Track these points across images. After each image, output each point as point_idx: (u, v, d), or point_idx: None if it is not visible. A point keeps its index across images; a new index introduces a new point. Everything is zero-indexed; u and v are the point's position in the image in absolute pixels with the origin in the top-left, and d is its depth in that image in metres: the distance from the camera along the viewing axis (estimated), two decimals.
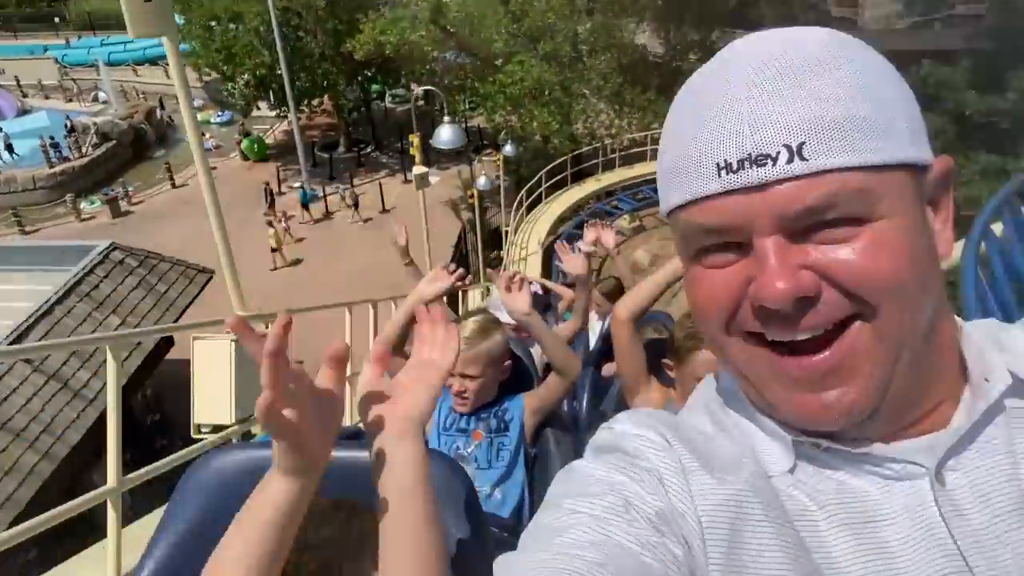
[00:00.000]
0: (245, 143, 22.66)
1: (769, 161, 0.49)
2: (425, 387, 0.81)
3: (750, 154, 0.49)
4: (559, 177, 16.68)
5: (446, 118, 10.64)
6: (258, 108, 23.23)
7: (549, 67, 17.44)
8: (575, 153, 17.07)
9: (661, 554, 0.51)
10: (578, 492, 0.55)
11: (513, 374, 2.06)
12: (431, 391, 0.81)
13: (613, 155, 17.54)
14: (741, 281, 0.52)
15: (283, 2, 17.72)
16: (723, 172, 0.50)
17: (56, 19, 37.63)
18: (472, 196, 14.93)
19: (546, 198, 16.49)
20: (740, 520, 0.53)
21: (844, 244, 0.50)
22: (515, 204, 15.44)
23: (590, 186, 17.06)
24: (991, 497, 0.52)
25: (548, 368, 2.03)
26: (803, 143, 0.48)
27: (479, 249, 14.34)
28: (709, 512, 0.54)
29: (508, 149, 15.67)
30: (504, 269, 2.36)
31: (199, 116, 18.54)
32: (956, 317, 0.61)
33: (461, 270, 2.00)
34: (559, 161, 16.67)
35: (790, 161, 0.48)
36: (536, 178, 16.41)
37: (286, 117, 21.84)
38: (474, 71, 19.25)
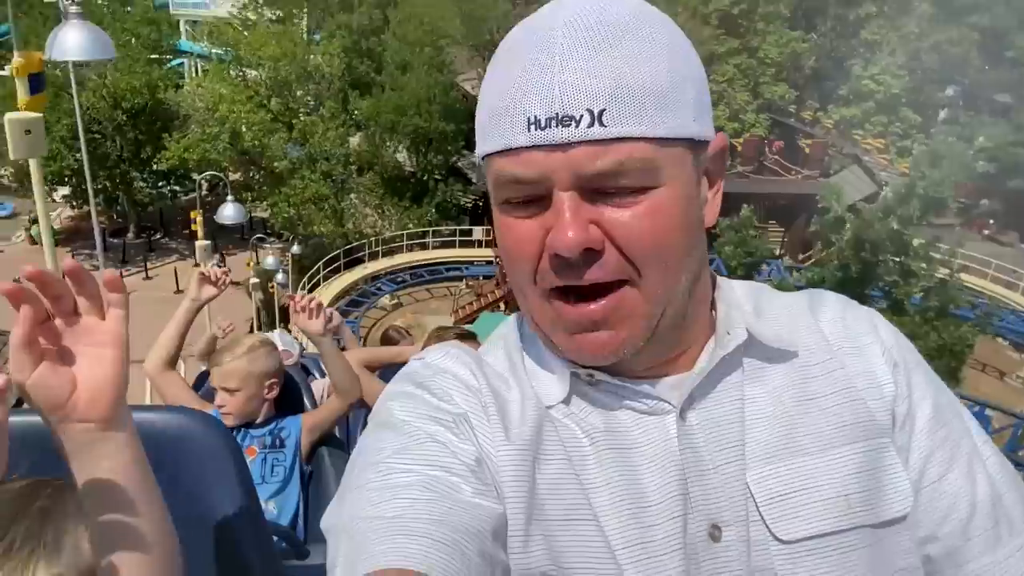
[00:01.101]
0: (34, 229, 21.62)
1: (572, 123, 0.51)
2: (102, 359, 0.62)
3: (557, 114, 0.51)
4: (335, 265, 18.88)
5: (229, 197, 10.71)
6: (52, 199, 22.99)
7: (325, 182, 19.65)
8: (347, 247, 19.32)
9: (490, 499, 0.54)
10: (400, 447, 0.55)
11: (287, 398, 2.04)
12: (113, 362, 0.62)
13: (377, 248, 19.85)
14: (541, 233, 0.55)
15: (89, 113, 18.37)
16: (532, 128, 0.52)
17: None
18: (257, 276, 15.24)
19: (324, 281, 18.37)
20: (529, 458, 0.57)
21: (627, 208, 0.54)
22: (299, 286, 16.75)
23: (359, 272, 19.42)
24: (717, 434, 0.59)
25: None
26: (604, 110, 0.51)
27: (277, 324, 14.82)
28: (509, 454, 0.57)
29: (295, 249, 17.48)
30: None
31: None
32: (717, 275, 0.68)
33: (215, 269, 2.05)
34: (334, 253, 18.94)
35: (591, 125, 0.51)
36: (315, 267, 18.34)
37: (73, 205, 21.69)
38: (261, 180, 20.92)
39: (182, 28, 26.34)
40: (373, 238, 20.45)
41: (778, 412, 0.61)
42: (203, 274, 2.08)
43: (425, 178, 21.84)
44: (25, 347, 0.58)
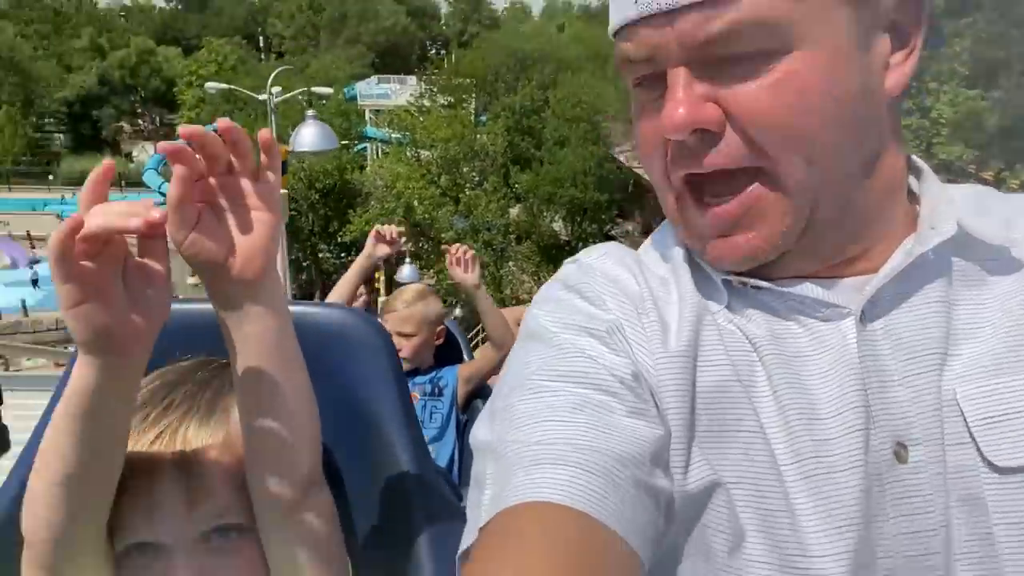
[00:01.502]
0: None
1: None
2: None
3: None
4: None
5: (407, 260, 11.60)
6: None
7: (486, 251, 20.52)
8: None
9: (647, 420, 0.49)
10: (548, 363, 0.51)
11: (448, 348, 2.22)
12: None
13: None
14: (660, 118, 0.49)
15: (289, 193, 22.25)
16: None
17: (50, 176, 37.24)
18: None
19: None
20: (689, 365, 0.51)
21: (750, 80, 0.46)
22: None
23: None
24: (909, 342, 0.51)
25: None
26: None
27: None
28: (667, 362, 0.51)
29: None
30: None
31: None
32: (917, 160, 0.57)
33: (390, 228, 2.16)
34: None
35: None
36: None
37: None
38: (429, 249, 22.11)
39: (367, 116, 29.42)
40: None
41: (1004, 322, 0.51)
42: (379, 231, 2.18)
43: (580, 246, 22.40)
44: (182, 206, 0.55)
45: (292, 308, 0.88)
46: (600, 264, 0.59)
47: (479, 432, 0.52)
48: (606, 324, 0.53)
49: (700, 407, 0.51)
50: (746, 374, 0.52)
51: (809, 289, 0.53)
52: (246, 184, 0.60)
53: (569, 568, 0.40)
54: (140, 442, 0.66)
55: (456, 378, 2.14)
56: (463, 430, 2.12)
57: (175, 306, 0.88)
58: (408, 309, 2.09)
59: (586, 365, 0.51)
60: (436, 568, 0.81)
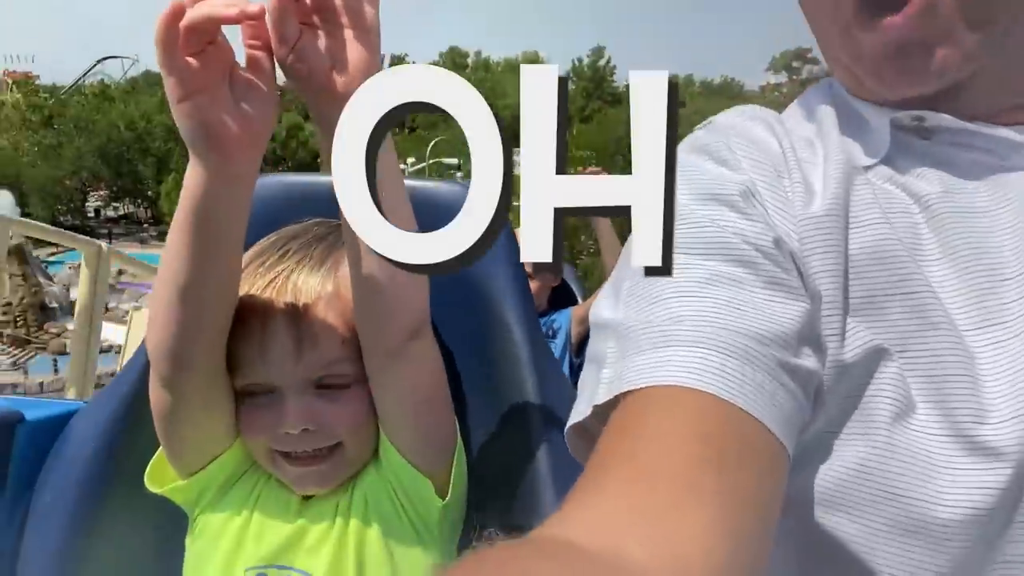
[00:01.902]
0: None
1: None
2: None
3: None
4: None
5: None
6: None
7: None
8: None
9: (789, 292, 0.43)
10: (679, 242, 0.43)
11: (563, 292, 2.18)
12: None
13: None
14: None
15: None
16: None
17: None
18: None
19: None
20: (839, 225, 0.46)
21: None
22: None
23: None
24: None
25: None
26: None
27: None
28: (812, 222, 0.46)
29: None
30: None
31: None
32: None
33: None
34: None
35: None
36: None
37: None
38: None
39: None
40: None
41: None
42: None
43: None
44: (283, 18, 0.54)
45: (407, 183, 0.89)
46: (734, 122, 0.53)
47: (601, 310, 0.49)
48: (739, 187, 0.47)
49: (854, 272, 0.45)
50: (908, 235, 0.46)
51: (996, 130, 0.47)
52: (339, 4, 0.57)
53: (707, 462, 0.35)
54: (255, 286, 0.68)
55: (570, 320, 2.06)
56: (575, 372, 2.00)
57: (290, 178, 0.93)
58: None
59: (716, 235, 0.45)
60: (552, 462, 0.76)
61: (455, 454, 0.71)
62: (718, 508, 0.34)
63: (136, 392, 0.78)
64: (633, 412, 0.40)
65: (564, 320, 2.07)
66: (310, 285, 0.68)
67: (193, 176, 0.57)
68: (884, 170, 0.49)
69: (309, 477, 0.69)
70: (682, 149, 0.53)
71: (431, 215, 0.85)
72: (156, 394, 0.66)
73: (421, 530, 0.69)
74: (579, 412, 0.45)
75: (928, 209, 0.47)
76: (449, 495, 0.68)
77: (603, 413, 0.42)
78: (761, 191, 0.48)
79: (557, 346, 2.08)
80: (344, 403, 0.68)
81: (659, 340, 0.41)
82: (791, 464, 0.40)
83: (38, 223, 3.20)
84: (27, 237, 8.61)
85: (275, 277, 0.68)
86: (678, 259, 0.44)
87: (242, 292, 0.67)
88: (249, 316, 0.66)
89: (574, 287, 2.40)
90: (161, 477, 0.71)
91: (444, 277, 0.82)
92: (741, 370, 0.39)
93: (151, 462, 0.71)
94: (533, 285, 1.97)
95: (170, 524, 0.77)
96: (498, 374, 0.84)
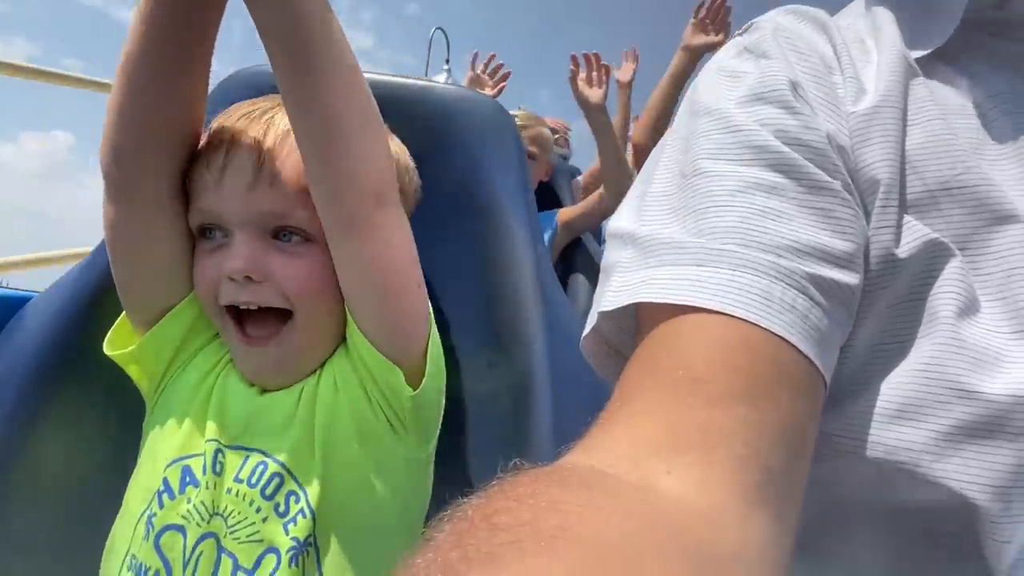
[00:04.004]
0: None
1: None
2: None
3: None
4: None
5: None
6: None
7: None
8: None
9: (834, 196, 0.40)
10: (710, 141, 0.42)
11: (550, 190, 2.02)
12: None
13: None
14: None
15: None
16: None
17: None
18: None
19: None
20: (896, 116, 0.43)
21: None
22: None
23: None
24: None
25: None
26: None
27: None
28: (864, 111, 0.43)
29: None
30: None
31: None
32: None
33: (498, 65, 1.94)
34: None
35: None
36: None
37: None
38: None
39: None
40: None
41: None
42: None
43: None
44: None
45: (410, 82, 0.85)
46: (779, 20, 0.49)
47: (620, 220, 0.45)
48: (785, 82, 0.43)
49: (911, 167, 0.42)
50: (970, 132, 0.43)
51: None
52: None
53: (736, 392, 0.33)
54: (229, 119, 0.65)
55: (555, 223, 1.89)
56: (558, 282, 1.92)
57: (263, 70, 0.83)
58: (537, 128, 1.88)
59: (754, 138, 0.41)
60: (552, 375, 0.74)
61: (427, 342, 0.66)
62: (747, 442, 0.33)
63: (94, 288, 0.74)
64: (657, 336, 0.37)
65: (548, 222, 1.92)
66: (284, 123, 0.64)
67: None
68: (946, 69, 0.46)
69: (260, 360, 0.64)
70: (725, 53, 0.50)
71: (433, 116, 0.84)
72: (105, 209, 0.62)
73: (393, 420, 0.65)
74: (590, 321, 0.43)
75: (994, 109, 0.44)
76: (422, 385, 0.64)
77: (621, 320, 0.41)
78: (808, 87, 0.44)
79: None
80: (298, 261, 0.63)
81: (684, 254, 0.38)
82: (848, 388, 0.39)
83: None
84: None
85: (250, 111, 0.66)
86: (713, 167, 0.41)
87: (214, 125, 0.64)
88: (215, 141, 0.63)
89: (564, 185, 2.24)
90: (120, 341, 0.67)
91: (444, 180, 0.78)
92: (771, 289, 0.36)
93: (113, 326, 0.67)
94: (538, 165, 1.89)
95: (124, 418, 0.73)
96: (500, 284, 0.80)
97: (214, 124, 0.65)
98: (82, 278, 0.76)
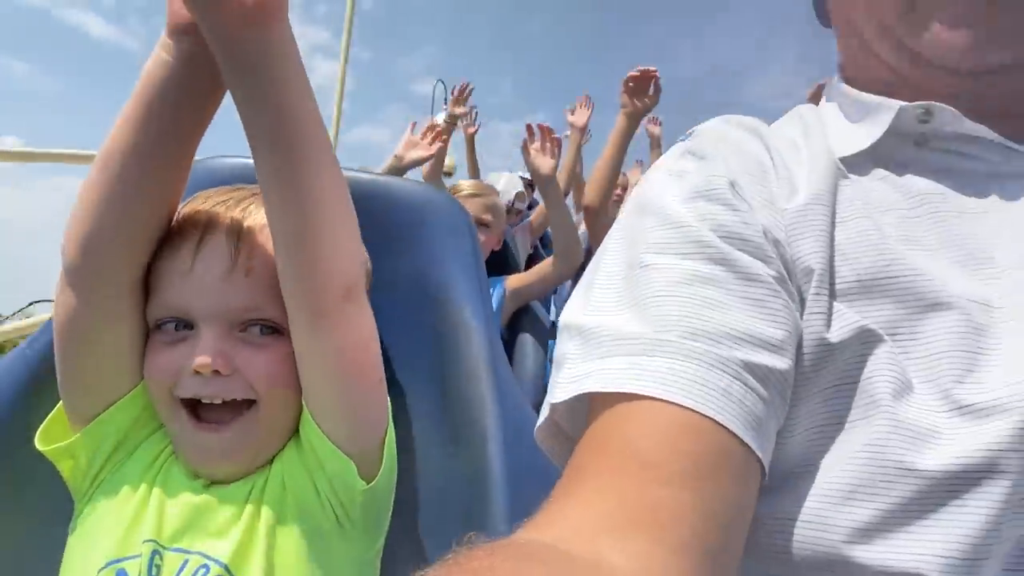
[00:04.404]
0: None
1: None
2: None
3: None
4: None
5: None
6: None
7: None
8: None
9: (769, 287, 0.42)
10: (654, 236, 0.45)
11: (503, 256, 1.97)
12: None
13: None
14: None
15: None
16: None
17: None
18: None
19: None
20: (826, 213, 0.45)
21: None
22: None
23: None
24: None
25: None
26: None
27: None
28: (797, 208, 0.45)
29: None
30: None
31: None
32: None
33: (438, 128, 1.97)
34: None
35: None
36: None
37: None
38: None
39: None
40: None
41: None
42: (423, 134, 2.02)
43: None
44: None
45: (368, 177, 0.87)
46: (717, 127, 0.53)
47: (569, 312, 0.47)
48: (724, 180, 0.46)
49: (841, 258, 0.44)
50: (895, 229, 0.45)
51: (998, 138, 0.45)
52: None
53: (678, 476, 0.35)
54: (203, 203, 0.64)
55: (503, 289, 1.84)
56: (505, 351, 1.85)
57: (230, 161, 0.85)
58: (487, 198, 1.90)
59: (695, 233, 0.44)
60: (506, 464, 0.74)
61: (386, 433, 0.66)
62: (692, 524, 0.34)
63: (26, 378, 0.72)
64: (607, 421, 0.39)
65: (497, 292, 1.86)
66: (260, 213, 0.64)
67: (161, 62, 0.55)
68: (874, 171, 0.49)
69: (213, 447, 0.62)
70: (669, 155, 0.53)
71: (390, 212, 0.85)
72: (61, 297, 0.60)
73: (342, 517, 0.63)
74: (543, 412, 0.45)
75: (919, 207, 0.46)
76: (376, 479, 0.63)
77: (574, 409, 0.43)
78: (746, 186, 0.47)
79: None
80: (265, 353, 0.62)
81: (629, 344, 0.40)
82: (790, 472, 0.41)
83: None
84: None
85: (225, 199, 0.65)
86: (656, 260, 0.44)
87: (185, 211, 0.63)
88: (187, 228, 0.62)
89: (517, 251, 2.21)
90: (55, 434, 0.64)
91: (401, 274, 0.84)
92: (707, 376, 0.38)
93: (48, 417, 0.64)
94: (494, 233, 1.90)
95: (55, 519, 0.69)
96: (455, 376, 0.81)
97: (184, 210, 0.63)
98: (13, 368, 0.73)
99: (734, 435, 0.37)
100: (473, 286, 0.86)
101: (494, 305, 1.79)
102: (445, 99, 3.22)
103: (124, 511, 0.61)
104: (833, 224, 0.45)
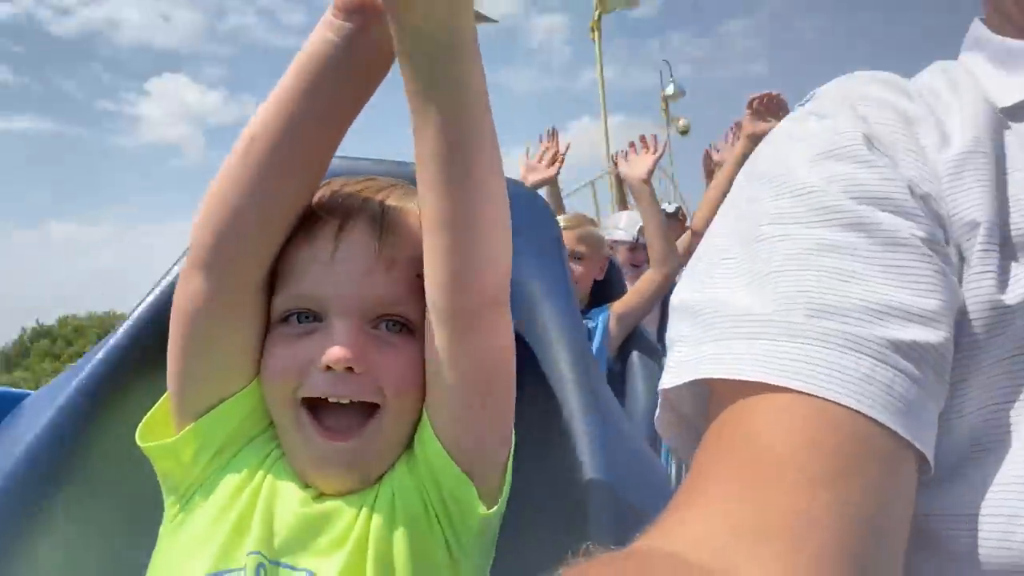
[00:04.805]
0: None
1: None
2: None
3: None
4: None
5: None
6: None
7: None
8: None
9: (917, 252, 0.37)
10: (775, 206, 0.40)
11: (607, 287, 1.88)
12: None
13: None
14: None
15: None
16: None
17: None
18: None
19: None
20: (988, 161, 0.40)
21: None
22: None
23: None
24: None
25: None
26: None
27: None
28: (955, 158, 0.40)
29: None
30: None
31: None
32: None
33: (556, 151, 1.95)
34: None
35: None
36: None
37: None
38: None
39: None
40: None
41: None
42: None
43: None
44: None
45: None
46: (842, 84, 0.47)
47: (678, 291, 0.43)
48: (858, 137, 0.41)
49: (1016, 210, 0.38)
50: None
51: None
52: None
53: (817, 476, 0.31)
54: (342, 187, 0.61)
55: (607, 317, 1.78)
56: (615, 380, 1.79)
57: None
58: (582, 228, 1.84)
59: (823, 199, 0.39)
60: (594, 475, 0.67)
61: (508, 459, 0.60)
62: (835, 530, 0.30)
63: (98, 382, 0.69)
64: (731, 415, 0.35)
65: (600, 318, 1.81)
66: (405, 199, 0.61)
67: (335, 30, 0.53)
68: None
69: (335, 457, 0.57)
70: (788, 120, 0.48)
71: None
72: (187, 286, 0.57)
73: (453, 544, 0.58)
74: (660, 400, 0.42)
75: None
76: (498, 504, 0.59)
77: (694, 388, 0.39)
78: (885, 138, 0.41)
79: (591, 346, 1.79)
80: (397, 353, 0.58)
81: (744, 326, 0.36)
82: (958, 461, 0.35)
83: None
84: None
85: (364, 186, 0.62)
86: (777, 230, 0.39)
87: (320, 198, 0.60)
88: (326, 214, 0.59)
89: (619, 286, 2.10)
90: (156, 431, 0.60)
91: None
92: (844, 361, 0.33)
93: (147, 415, 0.61)
94: (589, 265, 1.84)
95: (132, 521, 0.66)
96: (540, 396, 0.74)
97: (320, 195, 0.60)
98: (93, 372, 0.71)
99: (882, 425, 0.33)
100: (556, 281, 0.81)
101: (598, 334, 1.77)
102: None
103: (226, 517, 0.57)
104: (1001, 174, 0.40)
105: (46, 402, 0.70)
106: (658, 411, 0.43)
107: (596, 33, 8.31)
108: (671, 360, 0.39)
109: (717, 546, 0.29)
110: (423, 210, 0.54)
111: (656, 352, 1.86)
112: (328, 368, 0.55)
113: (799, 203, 0.39)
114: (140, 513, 0.65)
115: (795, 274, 0.36)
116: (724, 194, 1.54)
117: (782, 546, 0.29)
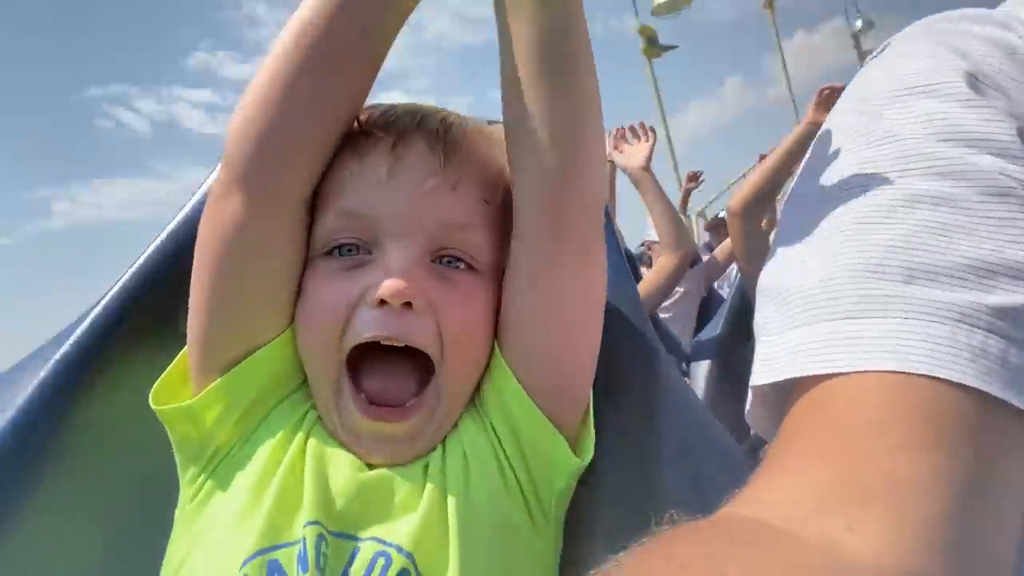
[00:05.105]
0: None
1: None
2: None
3: None
4: None
5: None
6: None
7: None
8: None
9: None
10: (863, 154, 0.36)
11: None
12: None
13: None
14: None
15: None
16: None
17: None
18: None
19: None
20: None
21: None
22: None
23: None
24: None
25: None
26: None
27: None
28: None
29: None
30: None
31: None
32: None
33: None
34: None
35: None
36: None
37: None
38: None
39: None
40: None
41: None
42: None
43: None
44: None
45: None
46: (928, 24, 0.42)
47: (764, 273, 0.39)
48: (956, 72, 0.36)
49: None
50: None
51: None
52: None
53: (918, 443, 0.28)
54: (391, 110, 0.54)
55: None
56: None
57: None
58: None
59: (914, 142, 0.34)
60: (667, 446, 0.62)
61: (587, 411, 0.54)
62: (946, 498, 0.27)
63: (77, 357, 0.59)
64: (820, 393, 0.32)
65: None
66: (465, 122, 0.55)
67: None
68: None
69: (384, 438, 0.50)
70: (869, 61, 0.43)
71: None
72: (219, 206, 0.49)
73: (534, 508, 0.52)
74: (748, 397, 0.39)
75: None
76: (586, 455, 0.52)
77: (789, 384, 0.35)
78: (990, 73, 0.36)
79: None
80: (462, 291, 0.50)
81: (833, 304, 0.32)
82: None
83: None
84: None
85: (419, 105, 0.56)
86: (860, 183, 0.35)
87: (370, 112, 0.54)
88: (377, 130, 0.51)
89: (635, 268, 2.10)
90: (169, 393, 0.53)
91: None
92: (952, 335, 0.29)
93: (162, 376, 0.53)
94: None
95: (120, 518, 0.60)
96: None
97: (366, 115, 0.53)
98: (79, 341, 0.60)
99: (997, 399, 0.29)
100: (612, 258, 0.75)
101: None
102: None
103: (267, 487, 0.49)
104: None
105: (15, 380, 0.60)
106: (748, 406, 0.39)
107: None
108: (760, 352, 0.36)
109: (812, 510, 0.27)
110: (515, 111, 0.48)
111: (671, 340, 1.83)
112: (382, 303, 0.47)
113: (884, 152, 0.35)
114: (135, 499, 0.59)
115: (887, 228, 0.32)
116: (771, 181, 1.50)
117: (882, 511, 0.26)
